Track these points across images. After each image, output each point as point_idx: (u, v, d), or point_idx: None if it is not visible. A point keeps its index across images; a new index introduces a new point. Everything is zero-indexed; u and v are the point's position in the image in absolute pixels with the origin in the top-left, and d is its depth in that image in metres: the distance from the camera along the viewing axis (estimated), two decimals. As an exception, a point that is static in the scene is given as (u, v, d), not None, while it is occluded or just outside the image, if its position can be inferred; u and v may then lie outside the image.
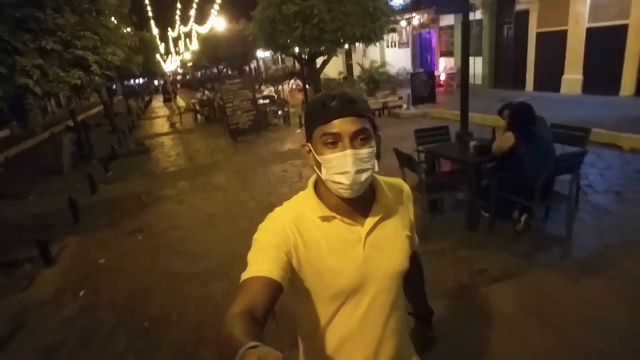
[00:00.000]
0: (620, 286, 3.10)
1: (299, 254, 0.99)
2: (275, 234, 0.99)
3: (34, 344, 3.26)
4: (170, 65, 59.59)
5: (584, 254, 3.60)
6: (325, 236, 1.02)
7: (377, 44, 10.62)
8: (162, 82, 44.36)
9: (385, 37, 10.54)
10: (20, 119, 12.09)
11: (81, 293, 3.93)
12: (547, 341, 2.64)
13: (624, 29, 9.69)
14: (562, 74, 11.38)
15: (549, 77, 11.78)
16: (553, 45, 11.52)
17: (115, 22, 6.61)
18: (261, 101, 12.45)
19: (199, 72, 39.67)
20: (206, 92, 16.37)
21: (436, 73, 15.56)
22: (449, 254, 3.81)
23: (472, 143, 4.35)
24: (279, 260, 0.94)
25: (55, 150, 9.54)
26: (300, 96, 13.28)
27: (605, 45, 10.21)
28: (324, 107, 0.95)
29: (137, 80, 34.85)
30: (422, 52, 18.30)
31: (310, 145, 1.02)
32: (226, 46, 19.27)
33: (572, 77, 11.12)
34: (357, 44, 10.19)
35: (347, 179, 0.95)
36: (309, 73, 11.21)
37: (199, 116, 15.84)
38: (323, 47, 9.89)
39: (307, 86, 11.70)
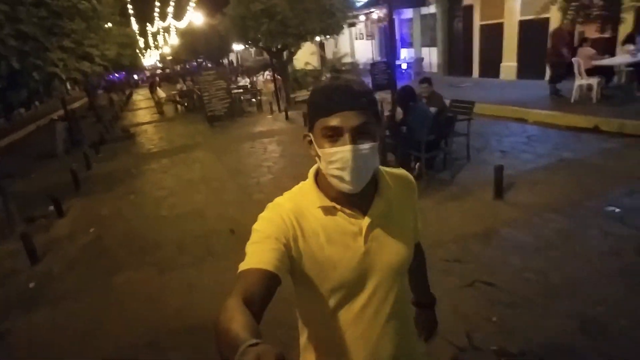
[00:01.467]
0: (467, 206, 4.56)
1: (298, 245, 0.97)
2: (274, 225, 0.97)
3: (61, 259, 4.58)
4: (150, 59, 59.77)
5: (454, 190, 5.06)
6: (325, 228, 1.00)
7: (347, 36, 12.00)
8: (142, 77, 44.72)
9: (353, 30, 11.90)
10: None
11: (91, 229, 5.25)
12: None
13: (547, 21, 11.24)
14: (501, 61, 12.92)
15: (491, 64, 13.30)
16: (493, 36, 13.04)
17: (110, 25, 7.89)
18: (235, 90, 13.71)
19: (179, 66, 40.41)
20: (185, 83, 17.50)
21: (397, 62, 17.06)
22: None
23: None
24: (277, 252, 0.92)
25: (49, 137, 10.67)
26: (271, 86, 14.60)
27: (533, 36, 11.75)
28: (327, 98, 0.92)
29: (116, 75, 35.48)
30: (386, 44, 19.72)
31: (311, 135, 0.98)
32: (204, 40, 20.38)
33: (509, 65, 12.66)
34: (325, 36, 11.52)
35: (347, 175, 0.93)
36: (278, 64, 12.51)
37: (179, 107, 16.98)
38: (288, 41, 11.21)
39: (276, 76, 13.00)
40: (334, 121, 0.91)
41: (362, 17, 16.96)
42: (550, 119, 7.71)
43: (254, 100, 13.81)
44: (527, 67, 12.13)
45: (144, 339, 3.04)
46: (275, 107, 12.52)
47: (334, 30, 10.96)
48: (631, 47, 7.96)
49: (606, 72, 8.27)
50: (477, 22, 13.76)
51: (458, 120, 5.87)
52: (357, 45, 20.88)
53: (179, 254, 4.33)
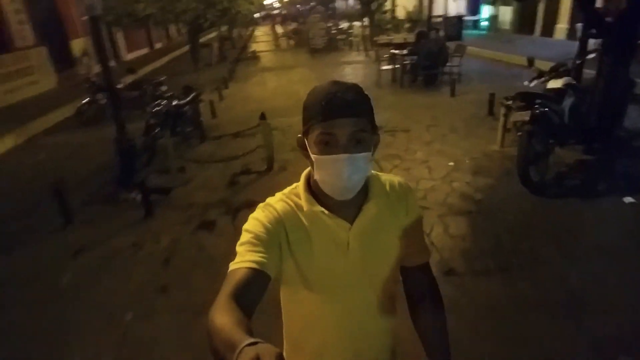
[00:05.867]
0: (432, 100, 8.46)
1: (286, 246, 0.99)
2: (265, 226, 0.97)
3: (232, 99, 9.52)
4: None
5: (431, 91, 8.92)
6: (313, 231, 1.00)
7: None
8: (263, 15, 50.31)
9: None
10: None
11: (241, 94, 10.20)
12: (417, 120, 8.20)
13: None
14: (556, 23, 15.14)
15: (549, 25, 15.56)
16: (554, 1, 15.20)
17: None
18: (333, 31, 17.91)
19: (293, 8, 45.13)
20: (298, 24, 22.10)
21: (476, 18, 19.80)
22: (407, 92, 9.37)
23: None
24: (267, 252, 0.93)
25: (206, 54, 16.09)
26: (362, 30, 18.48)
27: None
28: (323, 104, 0.90)
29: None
30: (472, 1, 21.96)
31: (305, 139, 0.97)
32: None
33: (561, 27, 14.88)
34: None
35: (339, 183, 0.93)
36: (367, 12, 16.33)
37: (291, 41, 21.72)
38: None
39: (364, 23, 16.88)
40: (328, 128, 0.90)
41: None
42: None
43: (346, 38, 17.93)
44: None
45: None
46: (362, 47, 16.49)
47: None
48: None
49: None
50: (541, -14, 15.87)
51: (454, 56, 9.52)
52: (450, 2, 23.32)
53: (285, 108, 8.94)
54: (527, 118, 4.20)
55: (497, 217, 3.91)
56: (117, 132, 4.91)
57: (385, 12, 17.12)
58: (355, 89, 0.94)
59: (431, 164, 5.16)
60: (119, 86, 7.46)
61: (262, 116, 5.28)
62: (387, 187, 1.09)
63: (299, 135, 0.99)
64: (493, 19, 18.87)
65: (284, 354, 1.14)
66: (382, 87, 9.68)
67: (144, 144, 5.47)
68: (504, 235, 3.61)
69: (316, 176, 0.97)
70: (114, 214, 4.47)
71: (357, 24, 22.38)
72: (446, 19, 16.88)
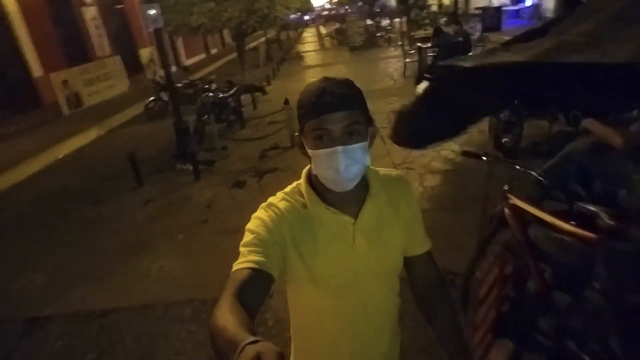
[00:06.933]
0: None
1: (290, 245, 1.00)
2: (268, 225, 0.99)
3: (275, 92, 10.84)
4: (320, 1, 66.56)
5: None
6: (317, 228, 1.02)
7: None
8: (312, 17, 51.90)
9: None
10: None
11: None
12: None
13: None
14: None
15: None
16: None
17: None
18: (372, 29, 18.81)
19: (343, 9, 46.24)
20: (341, 24, 23.19)
21: (517, 7, 19.78)
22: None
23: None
24: (270, 252, 0.95)
25: (255, 56, 17.67)
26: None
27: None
28: (315, 101, 0.94)
29: (291, 16, 43.13)
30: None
31: (302, 137, 1.01)
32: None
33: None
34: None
35: (337, 175, 0.95)
36: (404, 9, 17.05)
37: (334, 40, 22.86)
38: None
39: (402, 20, 17.61)
40: (323, 123, 0.93)
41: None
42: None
43: (385, 36, 18.74)
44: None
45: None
46: (400, 42, 17.24)
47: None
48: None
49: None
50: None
51: (478, 46, 10.14)
52: (492, -9, 23.27)
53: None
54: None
55: (467, 173, 4.76)
56: (175, 118, 6.33)
57: (423, 7, 17.68)
58: (346, 83, 0.97)
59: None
60: (178, 85, 8.99)
61: (286, 101, 6.46)
62: (387, 181, 1.12)
63: (296, 134, 1.03)
64: (536, 7, 18.75)
65: (292, 350, 1.17)
66: (407, 78, 10.52)
67: (196, 128, 6.86)
68: (470, 185, 4.47)
69: (315, 171, 1.00)
70: (172, 179, 5.87)
71: (397, 20, 23.08)
72: (485, 10, 17.15)
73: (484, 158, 2.32)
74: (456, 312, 1.20)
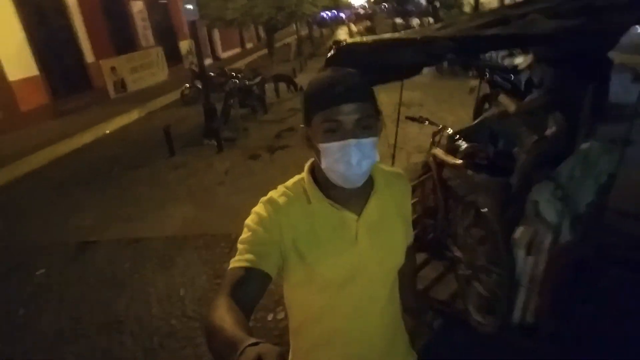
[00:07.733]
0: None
1: (289, 242, 0.97)
2: (267, 221, 0.96)
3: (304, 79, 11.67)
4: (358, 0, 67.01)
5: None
6: (319, 224, 0.99)
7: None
8: (349, 15, 52.54)
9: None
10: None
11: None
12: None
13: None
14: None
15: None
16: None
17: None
18: (398, 26, 19.37)
19: (378, 8, 46.66)
20: (368, 22, 23.95)
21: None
22: (442, 77, 10.82)
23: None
24: (268, 249, 0.93)
25: (287, 51, 18.58)
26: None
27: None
28: (326, 91, 0.90)
29: (328, 14, 43.90)
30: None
31: (308, 129, 0.96)
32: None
33: None
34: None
35: (349, 169, 0.91)
36: (433, 9, 17.48)
37: (364, 37, 23.58)
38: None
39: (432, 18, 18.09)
40: (335, 114, 0.89)
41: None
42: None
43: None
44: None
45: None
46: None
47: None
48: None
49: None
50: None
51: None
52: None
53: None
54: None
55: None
56: (204, 100, 7.28)
57: (451, 7, 18.05)
58: (356, 74, 0.94)
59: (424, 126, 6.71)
60: (210, 74, 9.97)
61: (300, 89, 7.27)
62: (390, 178, 1.10)
63: (301, 125, 0.99)
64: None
65: (291, 349, 1.18)
66: (423, 74, 11.06)
67: (222, 109, 7.80)
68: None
69: (323, 165, 0.94)
70: (198, 151, 6.83)
71: (427, 20, 23.46)
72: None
73: (426, 123, 3.04)
74: (416, 296, 1.47)
